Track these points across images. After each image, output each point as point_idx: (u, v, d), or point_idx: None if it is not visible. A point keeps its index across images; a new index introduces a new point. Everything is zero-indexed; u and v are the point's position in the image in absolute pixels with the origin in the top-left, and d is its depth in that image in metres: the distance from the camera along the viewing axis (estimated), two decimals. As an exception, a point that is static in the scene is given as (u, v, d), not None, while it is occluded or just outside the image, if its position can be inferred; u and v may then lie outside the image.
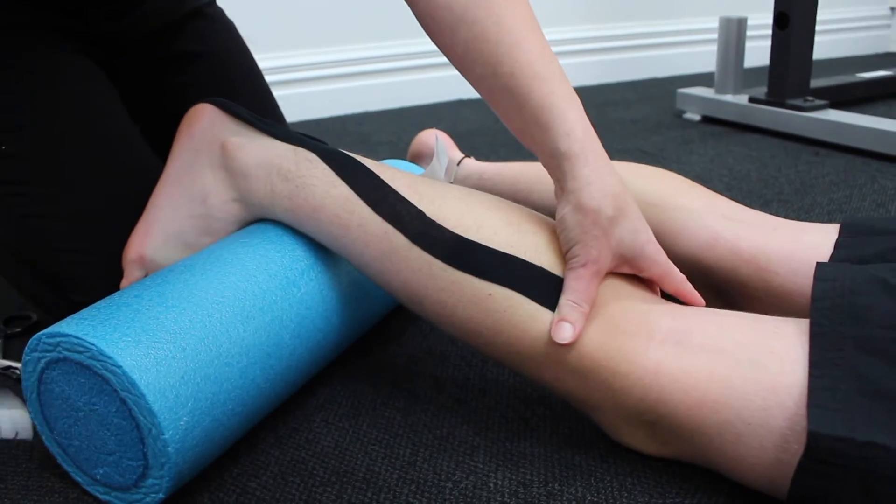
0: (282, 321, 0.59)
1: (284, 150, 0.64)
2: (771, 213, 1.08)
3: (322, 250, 0.65)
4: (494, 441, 0.61)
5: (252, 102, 0.87)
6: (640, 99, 1.98)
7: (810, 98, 1.51)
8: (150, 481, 0.52)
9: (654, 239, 0.58)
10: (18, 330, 0.80)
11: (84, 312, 0.53)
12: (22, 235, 0.69)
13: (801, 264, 0.67)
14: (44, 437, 0.56)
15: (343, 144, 1.58)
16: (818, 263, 0.56)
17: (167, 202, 0.67)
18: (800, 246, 0.68)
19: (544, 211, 0.85)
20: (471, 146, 1.54)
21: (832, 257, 0.65)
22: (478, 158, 1.45)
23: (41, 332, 0.52)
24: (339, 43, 1.90)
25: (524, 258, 0.55)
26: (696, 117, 1.68)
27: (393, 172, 0.62)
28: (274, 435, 0.63)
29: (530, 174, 0.87)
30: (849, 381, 0.47)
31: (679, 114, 1.75)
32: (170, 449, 0.50)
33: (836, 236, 0.67)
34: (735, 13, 1.66)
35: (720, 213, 0.74)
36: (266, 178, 0.64)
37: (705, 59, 2.33)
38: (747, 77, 1.80)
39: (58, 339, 0.51)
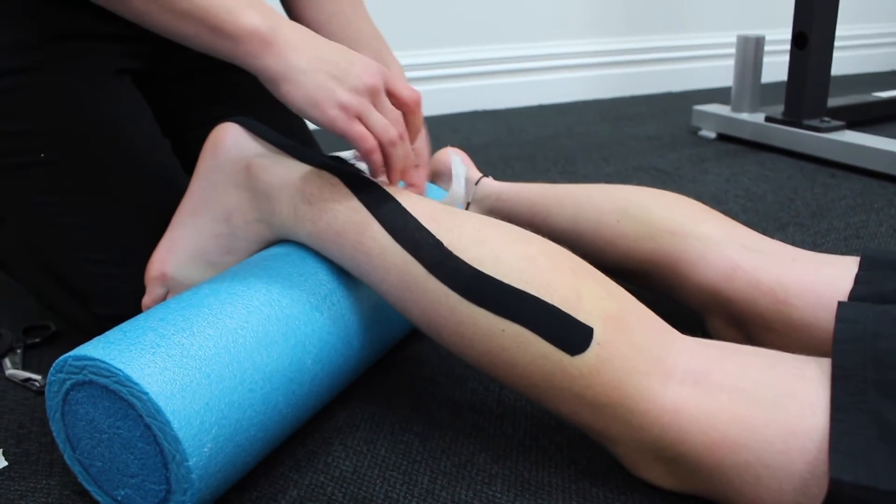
0: (304, 346, 0.59)
1: (308, 172, 0.65)
2: (788, 238, 1.09)
3: (344, 274, 0.65)
4: (513, 470, 0.61)
5: (281, 120, 0.88)
6: (655, 114, 1.98)
7: (827, 119, 1.50)
8: (171, 505, 0.52)
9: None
10: (38, 340, 0.81)
11: (110, 335, 0.53)
12: (50, 243, 0.70)
13: (820, 298, 0.67)
14: (66, 456, 0.56)
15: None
16: (840, 303, 0.56)
17: (191, 220, 0.68)
18: (819, 279, 0.68)
19: (561, 234, 0.85)
20: (485, 159, 1.54)
21: (852, 292, 0.65)
22: (492, 172, 1.45)
23: (68, 354, 0.52)
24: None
25: (537, 294, 0.55)
26: (712, 135, 1.68)
27: (414, 199, 0.62)
28: (292, 458, 0.63)
29: (549, 196, 0.88)
30: (871, 427, 0.47)
31: (694, 131, 1.75)
32: (193, 475, 0.50)
33: (855, 269, 0.67)
34: (754, 28, 1.66)
35: (739, 243, 0.74)
36: (289, 200, 0.64)
37: (722, 73, 2.33)
38: (765, 93, 1.80)
39: (84, 363, 0.51)
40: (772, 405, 0.50)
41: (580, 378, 0.54)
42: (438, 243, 0.58)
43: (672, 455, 0.53)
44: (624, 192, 0.82)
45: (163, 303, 0.59)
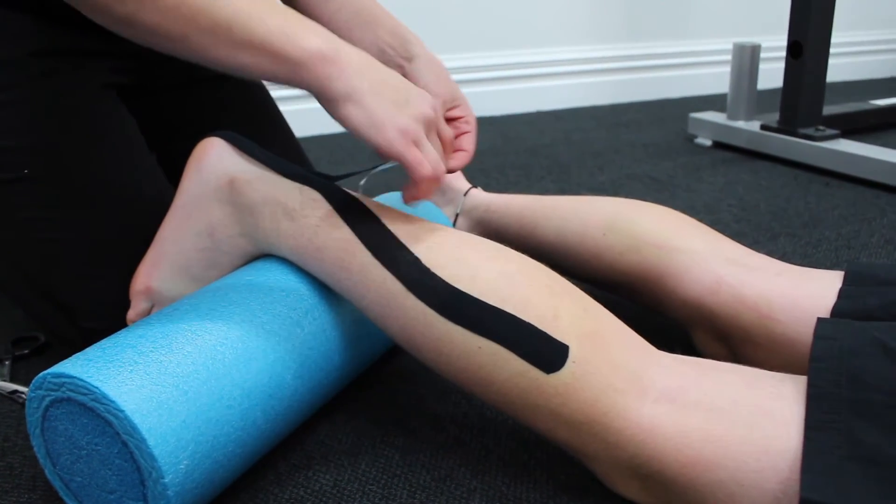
0: (284, 362, 0.60)
1: (290, 188, 0.65)
2: (779, 248, 1.09)
3: (326, 289, 0.66)
4: (491, 485, 0.61)
5: (272, 132, 0.89)
6: (652, 121, 1.98)
7: (822, 127, 1.50)
8: (149, 521, 0.52)
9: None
10: (26, 352, 0.81)
11: (89, 352, 0.54)
12: (35, 259, 0.70)
13: (804, 312, 0.67)
14: (46, 471, 0.56)
15: (354, 162, 1.59)
16: (819, 319, 0.56)
17: (175, 235, 0.68)
18: (802, 293, 0.68)
19: (549, 246, 0.85)
20: (480, 167, 1.55)
21: (835, 307, 0.65)
22: (487, 180, 1.46)
23: (46, 372, 0.53)
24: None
25: (513, 312, 0.55)
26: (708, 143, 1.68)
27: (394, 214, 0.63)
28: (274, 471, 0.63)
29: (536, 208, 0.88)
30: (843, 447, 0.47)
31: (690, 138, 1.75)
32: (169, 492, 0.51)
33: (839, 284, 0.67)
34: (753, 35, 1.66)
35: (724, 257, 0.74)
36: (271, 215, 0.65)
37: (722, 80, 2.33)
38: (763, 100, 1.79)
39: (62, 380, 0.52)
40: (746, 424, 0.51)
41: (556, 396, 0.54)
42: (417, 260, 0.58)
43: (647, 472, 0.53)
44: (610, 205, 0.83)
45: (144, 319, 0.59)
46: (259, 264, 0.66)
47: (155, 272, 0.68)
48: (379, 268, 0.59)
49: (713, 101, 2.19)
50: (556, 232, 0.84)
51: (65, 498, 0.57)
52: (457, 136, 0.74)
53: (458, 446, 0.66)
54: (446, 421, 0.70)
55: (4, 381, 0.76)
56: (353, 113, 0.56)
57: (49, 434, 0.55)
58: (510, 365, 0.55)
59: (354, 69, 0.55)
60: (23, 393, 0.74)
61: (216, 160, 0.68)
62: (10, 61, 0.67)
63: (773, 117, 1.59)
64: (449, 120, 0.76)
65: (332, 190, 0.64)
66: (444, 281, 0.57)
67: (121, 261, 0.70)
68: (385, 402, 0.73)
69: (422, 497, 0.60)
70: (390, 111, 0.56)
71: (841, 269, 0.69)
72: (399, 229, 0.61)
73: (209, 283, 0.68)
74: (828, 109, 1.66)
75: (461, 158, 0.72)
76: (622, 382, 0.54)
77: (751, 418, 0.51)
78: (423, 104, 0.59)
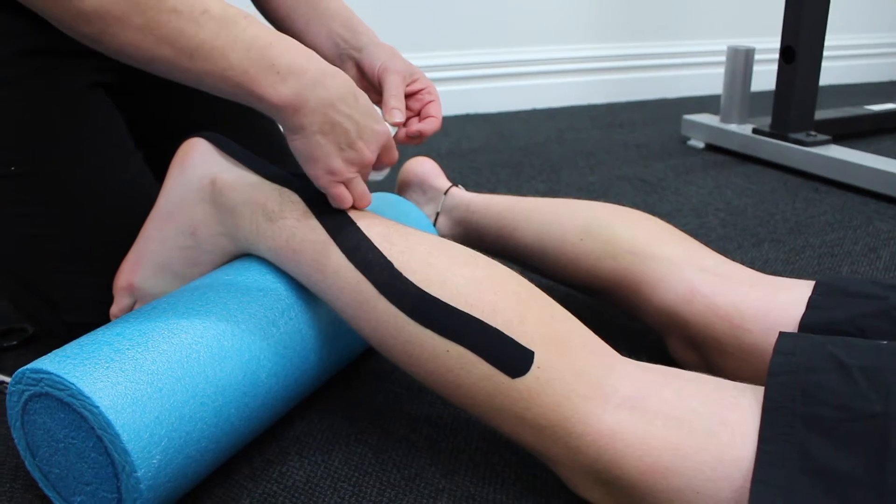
0: (259, 360, 0.61)
1: (270, 189, 0.66)
2: (762, 255, 1.10)
3: (303, 289, 0.67)
4: (459, 485, 0.62)
5: (260, 130, 0.90)
6: (646, 121, 1.99)
7: (813, 133, 1.51)
8: (122, 514, 0.54)
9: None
10: (14, 343, 0.83)
11: (68, 349, 0.55)
12: (20, 254, 0.71)
13: (774, 323, 0.68)
14: (26, 463, 0.58)
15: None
16: (781, 334, 0.58)
17: (157, 234, 0.70)
18: (774, 304, 0.69)
19: (527, 249, 0.87)
20: (471, 165, 1.56)
21: (803, 318, 0.67)
22: (478, 178, 1.47)
23: (26, 367, 0.54)
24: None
25: (481, 317, 0.56)
26: (700, 145, 1.69)
27: (370, 218, 0.64)
28: (249, 466, 0.65)
29: (517, 210, 0.89)
30: (794, 459, 0.48)
31: (684, 140, 1.76)
32: (142, 486, 0.52)
33: (809, 295, 0.69)
34: (750, 36, 1.66)
35: (699, 266, 0.75)
36: (251, 216, 0.66)
37: (717, 81, 2.33)
38: (760, 102, 1.80)
39: (41, 375, 0.53)
40: (704, 433, 0.52)
41: (520, 400, 0.55)
42: (389, 264, 0.59)
43: (608, 477, 0.55)
44: (588, 210, 0.84)
45: (123, 316, 0.61)
46: (239, 264, 0.68)
47: (137, 269, 0.70)
48: (352, 270, 0.60)
49: (711, 102, 2.20)
50: (535, 235, 0.85)
51: (44, 489, 0.58)
52: (423, 107, 0.80)
53: (430, 446, 0.67)
54: (420, 420, 0.71)
55: (-9, 371, 0.78)
56: (297, 144, 0.61)
57: (29, 427, 0.56)
58: (477, 369, 0.56)
59: (310, 109, 0.59)
60: (7, 384, 0.75)
61: (199, 161, 0.70)
62: None
63: (766, 121, 1.60)
64: (412, 94, 0.81)
65: (310, 192, 0.66)
66: (414, 285, 0.58)
67: (104, 257, 0.72)
68: (361, 399, 0.74)
69: (391, 495, 0.61)
70: (327, 150, 0.61)
71: (820, 278, 0.70)
72: (374, 233, 0.62)
73: (191, 281, 0.69)
74: (822, 114, 1.67)
75: (431, 124, 0.78)
76: (585, 389, 0.55)
77: (709, 428, 0.52)
78: (367, 148, 0.63)
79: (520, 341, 0.56)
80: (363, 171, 0.64)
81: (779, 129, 1.53)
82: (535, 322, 0.57)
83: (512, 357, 0.55)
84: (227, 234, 0.68)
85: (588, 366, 0.56)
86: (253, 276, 0.66)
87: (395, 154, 0.68)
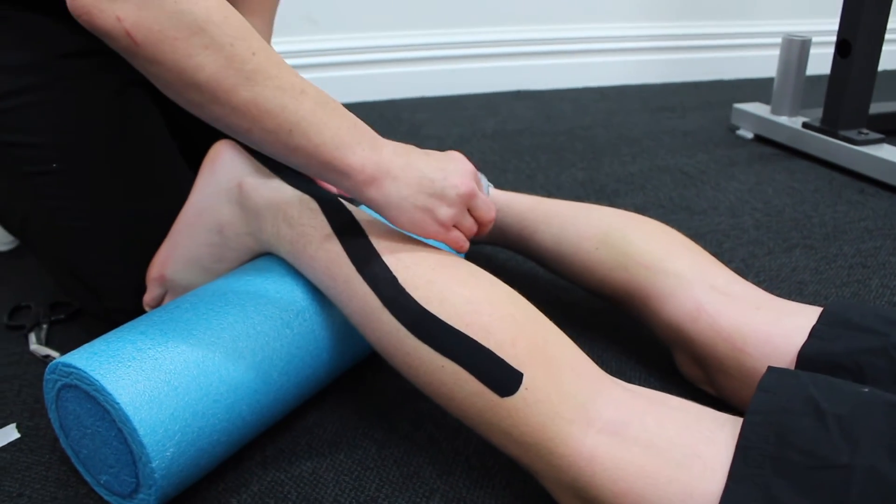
0: (272, 360, 0.66)
1: (291, 195, 0.70)
2: (792, 262, 1.09)
3: (318, 292, 0.71)
4: (453, 486, 0.66)
5: None
6: (698, 106, 1.95)
7: (865, 130, 1.47)
8: (140, 496, 0.60)
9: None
10: (62, 317, 0.90)
11: (96, 345, 0.61)
12: (64, 244, 0.77)
13: (775, 349, 0.69)
14: (61, 441, 0.64)
15: (394, 136, 1.62)
16: (768, 368, 0.59)
17: (188, 230, 0.74)
18: (776, 330, 0.70)
19: (545, 252, 0.89)
20: (514, 148, 1.57)
21: (803, 347, 0.67)
22: (518, 162, 1.48)
23: (58, 360, 0.60)
24: (401, 28, 1.93)
25: (475, 337, 0.59)
26: (749, 135, 1.66)
27: (382, 231, 0.67)
28: (261, 454, 0.70)
29: (538, 212, 0.91)
30: (758, 501, 0.50)
31: (734, 128, 1.72)
32: (156, 475, 0.58)
33: (815, 322, 0.69)
34: (811, 18, 1.59)
35: (709, 284, 0.76)
36: (273, 220, 0.70)
37: (774, 64, 2.26)
38: (820, 88, 1.72)
39: (71, 369, 0.59)
40: (678, 464, 0.54)
41: (508, 417, 0.58)
42: (394, 279, 0.63)
43: (586, 497, 0.58)
44: (607, 218, 0.85)
45: (148, 314, 0.66)
46: (260, 264, 0.72)
47: (169, 262, 0.75)
48: (361, 282, 0.64)
49: (768, 86, 2.14)
50: (554, 240, 0.87)
51: (76, 464, 0.65)
52: None
53: (431, 445, 0.71)
54: (425, 418, 0.75)
55: (40, 344, 0.85)
56: (397, 217, 0.64)
57: (62, 411, 0.62)
58: (469, 385, 0.59)
59: (392, 177, 0.62)
60: (54, 358, 0.82)
61: (228, 163, 0.74)
62: (35, 64, 0.73)
63: (818, 115, 1.56)
64: None
65: (329, 202, 0.69)
66: (416, 301, 0.61)
67: (140, 249, 0.77)
68: (373, 394, 0.79)
69: (387, 491, 0.66)
70: (428, 207, 0.64)
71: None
72: (383, 246, 0.65)
73: (218, 274, 0.75)
74: (877, 107, 1.60)
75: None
76: (569, 411, 0.58)
77: (682, 459, 0.54)
78: (460, 184, 0.64)
79: (510, 362, 0.59)
80: (469, 203, 0.66)
81: (829, 126, 1.49)
82: (526, 344, 0.60)
83: (502, 377, 0.58)
84: (252, 234, 0.73)
85: (575, 389, 0.59)
86: (273, 278, 0.70)
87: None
